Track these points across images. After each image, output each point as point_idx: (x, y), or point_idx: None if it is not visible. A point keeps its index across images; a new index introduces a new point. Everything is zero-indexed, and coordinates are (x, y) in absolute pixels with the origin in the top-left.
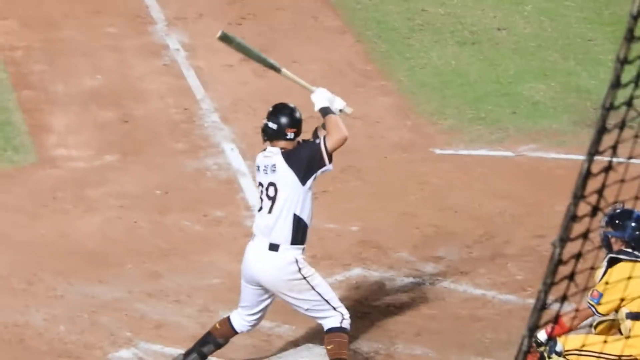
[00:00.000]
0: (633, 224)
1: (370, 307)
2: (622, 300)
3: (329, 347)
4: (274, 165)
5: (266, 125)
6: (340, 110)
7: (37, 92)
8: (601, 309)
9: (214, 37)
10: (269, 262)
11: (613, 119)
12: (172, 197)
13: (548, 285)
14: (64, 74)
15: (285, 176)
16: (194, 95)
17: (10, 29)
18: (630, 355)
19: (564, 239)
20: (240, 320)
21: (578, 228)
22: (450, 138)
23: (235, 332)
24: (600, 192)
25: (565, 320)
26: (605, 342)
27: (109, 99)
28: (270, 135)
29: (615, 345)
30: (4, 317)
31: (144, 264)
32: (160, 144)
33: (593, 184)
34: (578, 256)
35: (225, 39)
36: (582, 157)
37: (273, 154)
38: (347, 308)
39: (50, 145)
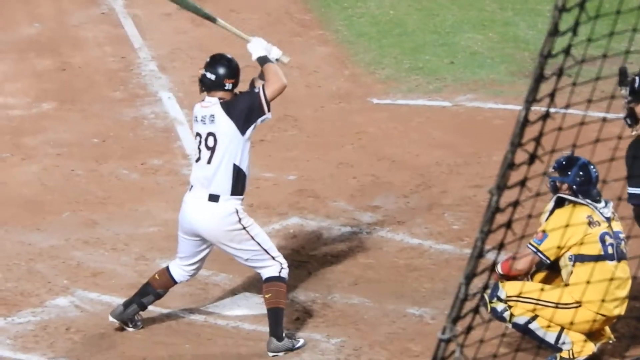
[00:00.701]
0: (578, 171)
1: (307, 257)
2: (564, 245)
3: (266, 296)
4: (212, 116)
5: (204, 75)
6: (277, 60)
7: None
8: (543, 247)
9: None
10: (209, 213)
11: (550, 69)
12: (109, 145)
13: (485, 234)
14: (1, 22)
15: (225, 126)
16: (131, 43)
17: None
18: (567, 303)
19: (501, 187)
20: (179, 270)
21: (515, 176)
22: (387, 88)
23: (175, 282)
24: (537, 140)
25: (512, 263)
26: (542, 289)
27: (46, 47)
28: (208, 86)
29: (552, 293)
30: None
31: (81, 212)
32: (98, 92)
33: (531, 132)
34: (515, 204)
35: None
36: (519, 107)
37: (211, 104)
38: (285, 257)
39: None
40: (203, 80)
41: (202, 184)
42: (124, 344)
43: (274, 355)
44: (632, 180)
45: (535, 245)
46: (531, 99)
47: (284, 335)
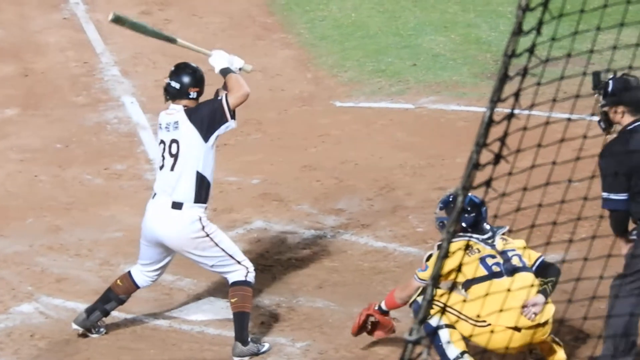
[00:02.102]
0: (468, 208)
1: (271, 260)
2: (448, 272)
3: (232, 300)
4: (176, 123)
5: (168, 84)
6: (240, 69)
7: None
8: (422, 275)
9: None
10: (172, 221)
11: (514, 69)
12: (72, 150)
13: (451, 234)
14: None
15: (188, 133)
16: (93, 48)
17: None
18: (476, 320)
19: (466, 187)
20: (142, 275)
21: (481, 176)
22: (350, 90)
23: (137, 287)
24: (502, 139)
25: (395, 293)
26: (464, 302)
27: (8, 52)
28: (172, 95)
29: (471, 307)
30: None
31: (44, 218)
32: (61, 97)
33: (495, 133)
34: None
35: (117, 20)
36: (482, 109)
37: (175, 112)
38: (250, 261)
39: None
40: (168, 89)
41: (165, 191)
42: (89, 349)
43: None
44: (605, 185)
45: (417, 274)
46: (496, 99)
47: (249, 339)
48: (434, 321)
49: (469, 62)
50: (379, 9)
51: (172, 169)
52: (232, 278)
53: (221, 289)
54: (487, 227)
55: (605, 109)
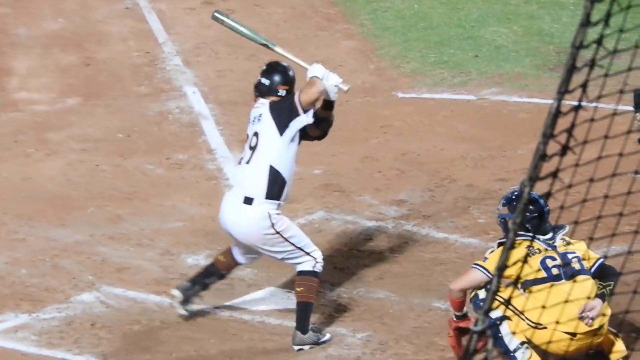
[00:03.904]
0: (530, 207)
1: (333, 251)
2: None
3: (298, 290)
4: (260, 115)
5: (259, 81)
6: (336, 86)
7: None
8: (486, 263)
9: None
10: (242, 216)
11: (579, 61)
12: (134, 140)
13: (517, 225)
14: (26, 17)
15: (267, 126)
16: (155, 38)
17: None
18: (538, 323)
19: (533, 178)
20: (240, 255)
21: (547, 167)
22: (412, 81)
23: (238, 264)
24: (569, 131)
25: (452, 292)
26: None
27: (71, 42)
28: (262, 92)
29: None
30: None
31: (106, 207)
32: (123, 87)
33: (562, 124)
34: (547, 195)
35: (217, 19)
36: (544, 101)
37: (262, 105)
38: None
39: (12, 89)
40: (258, 87)
41: (241, 184)
42: (150, 339)
43: (299, 349)
44: None
45: (477, 262)
46: (563, 90)
47: (309, 329)
48: (496, 313)
49: (531, 54)
50: (441, 0)
51: (248, 162)
52: (299, 267)
53: (281, 279)
54: (549, 227)
55: None
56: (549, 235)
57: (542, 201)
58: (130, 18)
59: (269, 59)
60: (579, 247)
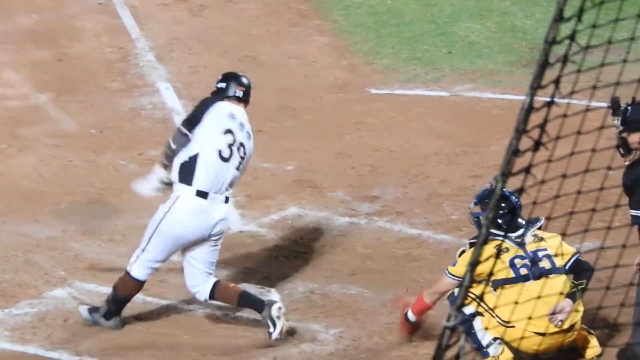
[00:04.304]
0: (502, 204)
1: (305, 247)
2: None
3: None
4: (249, 133)
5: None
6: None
7: None
8: (455, 268)
9: None
10: (226, 215)
11: (552, 57)
12: (107, 136)
13: (490, 220)
14: None
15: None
16: (129, 34)
17: None
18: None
19: (505, 174)
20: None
21: (520, 163)
22: (385, 78)
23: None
24: (542, 126)
25: (425, 295)
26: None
27: (44, 37)
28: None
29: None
30: None
31: (78, 203)
32: (96, 83)
33: (534, 119)
34: (520, 191)
35: None
36: (517, 97)
37: (246, 121)
38: (283, 248)
39: None
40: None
41: (223, 184)
42: (123, 335)
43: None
44: (634, 202)
45: (448, 269)
46: (536, 86)
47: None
48: (469, 309)
49: (504, 50)
50: None
51: (237, 168)
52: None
53: (253, 275)
54: (522, 222)
55: (624, 134)
56: (519, 232)
57: (513, 197)
58: (103, 14)
59: (242, 55)
60: (551, 243)
